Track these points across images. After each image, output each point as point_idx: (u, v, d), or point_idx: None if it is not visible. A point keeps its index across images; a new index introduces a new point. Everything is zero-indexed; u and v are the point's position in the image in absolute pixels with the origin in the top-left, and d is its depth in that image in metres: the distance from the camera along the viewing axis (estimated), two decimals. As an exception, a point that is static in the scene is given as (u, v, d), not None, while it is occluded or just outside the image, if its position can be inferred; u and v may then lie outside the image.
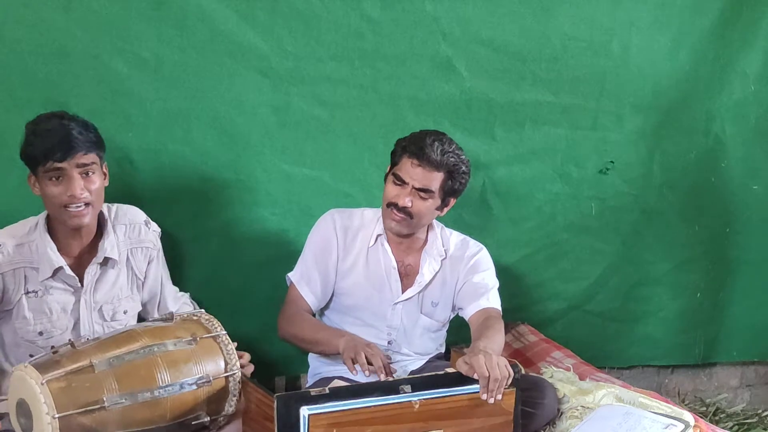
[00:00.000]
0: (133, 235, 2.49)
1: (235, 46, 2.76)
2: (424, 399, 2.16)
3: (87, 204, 2.30)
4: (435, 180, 2.56)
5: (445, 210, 2.67)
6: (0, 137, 2.61)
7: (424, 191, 2.56)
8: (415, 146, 2.55)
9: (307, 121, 2.90)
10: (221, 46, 2.75)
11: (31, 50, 2.58)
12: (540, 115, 3.17)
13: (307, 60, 2.85)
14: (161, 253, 2.58)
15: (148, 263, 2.53)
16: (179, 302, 2.65)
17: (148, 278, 2.55)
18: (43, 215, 2.38)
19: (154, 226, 2.55)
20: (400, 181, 2.57)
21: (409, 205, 2.57)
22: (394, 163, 2.61)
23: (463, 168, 2.60)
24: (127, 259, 2.48)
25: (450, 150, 2.56)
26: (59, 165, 2.25)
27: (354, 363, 2.41)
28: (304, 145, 2.92)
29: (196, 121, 2.78)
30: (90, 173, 2.30)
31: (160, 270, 2.58)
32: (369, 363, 2.39)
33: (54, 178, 2.27)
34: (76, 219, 2.31)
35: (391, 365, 2.45)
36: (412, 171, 2.55)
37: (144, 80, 2.70)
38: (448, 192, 2.60)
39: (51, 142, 2.24)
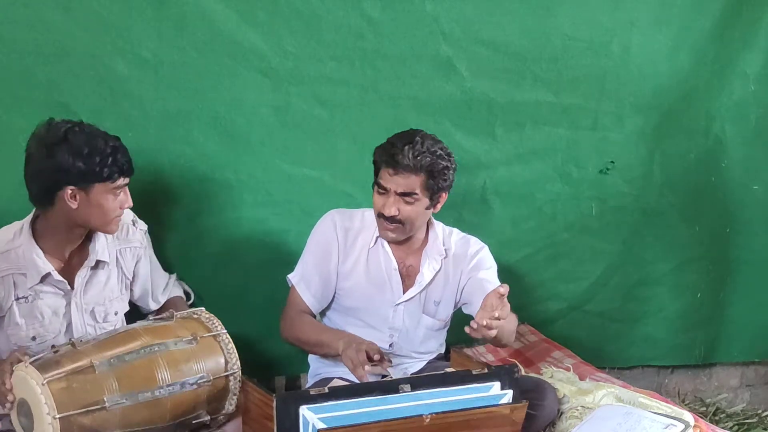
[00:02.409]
0: (122, 235, 2.49)
1: (236, 46, 2.76)
2: (434, 413, 2.15)
3: None
4: (414, 182, 2.53)
5: (438, 206, 2.64)
6: (0, 137, 2.61)
7: (407, 195, 2.54)
8: (387, 155, 2.53)
9: (308, 121, 2.90)
10: (221, 46, 2.75)
11: (32, 50, 2.58)
12: (540, 115, 3.17)
13: (308, 60, 2.85)
14: (149, 249, 2.59)
15: (136, 263, 2.54)
16: (168, 290, 2.67)
17: (138, 277, 2.56)
18: (27, 220, 2.37)
19: (141, 224, 2.56)
20: (383, 189, 2.56)
21: (396, 213, 2.55)
22: (375, 173, 2.60)
23: (443, 164, 2.54)
24: (117, 259, 2.49)
25: (423, 150, 2.51)
26: (125, 181, 2.33)
27: (354, 365, 2.40)
28: (304, 145, 2.92)
29: (196, 121, 2.78)
30: None
31: (148, 267, 2.59)
32: (369, 359, 2.39)
33: (116, 194, 2.32)
34: (117, 227, 2.39)
35: (389, 362, 2.44)
36: (389, 179, 2.53)
37: (144, 80, 2.70)
38: (433, 190, 2.57)
39: (123, 160, 2.30)
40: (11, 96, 2.60)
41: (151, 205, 2.72)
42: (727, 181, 3.47)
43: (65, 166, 2.25)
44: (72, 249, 2.40)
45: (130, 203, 2.37)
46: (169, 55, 2.70)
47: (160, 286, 2.64)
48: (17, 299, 2.33)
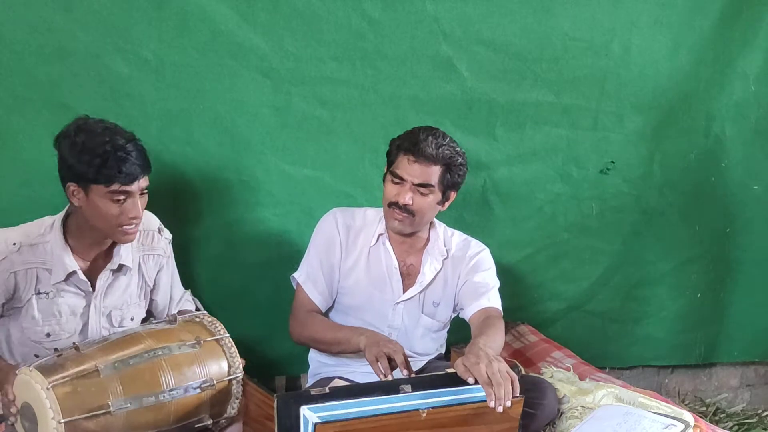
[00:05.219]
0: (147, 242, 2.48)
1: (236, 46, 2.76)
2: (431, 408, 2.15)
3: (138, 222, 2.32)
4: (433, 174, 2.55)
5: (447, 204, 2.67)
6: (1, 137, 2.60)
7: (423, 186, 2.56)
8: (409, 142, 2.56)
9: (308, 122, 2.90)
10: (222, 47, 2.75)
11: (32, 50, 2.58)
12: (541, 116, 3.17)
13: (308, 60, 2.85)
14: (171, 260, 2.58)
15: (158, 271, 2.53)
16: (180, 305, 2.64)
17: (159, 287, 2.54)
18: (59, 216, 2.36)
19: (166, 233, 2.55)
20: (399, 179, 2.57)
21: (410, 203, 2.56)
22: (390, 162, 2.61)
23: (460, 160, 2.59)
24: (139, 265, 2.48)
25: (444, 143, 2.56)
26: (128, 188, 2.24)
27: (378, 363, 2.39)
28: (305, 146, 2.92)
29: (197, 121, 2.78)
30: (144, 194, 2.31)
31: (170, 277, 2.57)
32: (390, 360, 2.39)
33: (117, 200, 2.25)
34: (129, 236, 2.33)
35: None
36: (409, 168, 2.55)
37: (145, 80, 2.69)
38: (447, 185, 2.60)
39: (122, 166, 2.21)
40: (11, 96, 2.59)
41: (151, 206, 2.71)
42: (727, 181, 3.47)
43: (66, 161, 2.23)
44: (99, 251, 2.39)
45: (138, 214, 2.28)
46: (170, 55, 2.70)
47: (176, 300, 2.62)
48: (38, 294, 2.33)
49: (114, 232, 2.31)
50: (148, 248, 2.49)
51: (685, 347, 3.62)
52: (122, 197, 2.25)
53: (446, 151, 2.55)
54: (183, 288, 2.67)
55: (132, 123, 2.66)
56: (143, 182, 2.28)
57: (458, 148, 2.60)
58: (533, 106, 3.16)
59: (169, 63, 2.71)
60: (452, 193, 2.65)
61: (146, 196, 2.33)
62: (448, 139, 2.58)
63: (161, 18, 2.68)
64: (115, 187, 2.23)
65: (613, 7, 3.17)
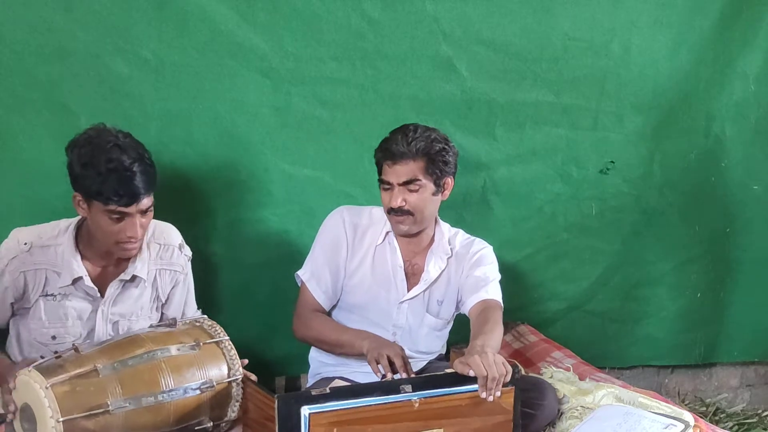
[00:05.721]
0: (165, 256, 2.47)
1: (236, 46, 2.76)
2: (423, 398, 2.16)
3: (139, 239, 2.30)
4: (415, 169, 2.54)
5: (446, 192, 2.64)
6: (1, 137, 2.60)
7: (410, 183, 2.55)
8: (383, 150, 2.57)
9: (308, 122, 2.90)
10: (222, 47, 2.75)
11: (32, 50, 2.58)
12: (541, 116, 3.17)
13: (308, 60, 2.85)
14: (189, 277, 2.57)
15: (173, 287, 2.52)
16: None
17: (171, 302, 2.53)
18: (74, 220, 2.36)
19: (187, 249, 2.54)
20: (387, 185, 2.57)
21: (403, 204, 2.56)
22: (378, 172, 2.62)
23: (438, 146, 2.56)
24: (154, 278, 2.46)
25: (417, 136, 2.54)
26: (125, 210, 2.22)
27: (378, 364, 2.41)
28: (305, 146, 2.92)
29: (197, 121, 2.78)
30: (148, 212, 2.28)
31: (184, 295, 2.56)
32: (391, 363, 2.40)
33: (115, 218, 2.23)
34: (127, 253, 2.32)
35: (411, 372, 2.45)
36: (390, 171, 2.55)
37: (145, 81, 2.70)
38: (436, 174, 2.57)
39: (118, 188, 2.18)
40: (11, 96, 2.59)
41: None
42: (727, 181, 3.47)
43: (73, 171, 2.23)
44: (110, 259, 2.37)
45: (135, 234, 2.26)
46: (170, 55, 2.70)
47: (187, 317, 2.57)
48: (45, 295, 2.33)
49: (112, 248, 2.30)
50: (166, 263, 2.47)
51: (685, 347, 3.62)
52: (120, 216, 2.23)
53: (420, 144, 2.53)
54: (197, 307, 2.64)
55: (132, 123, 2.67)
56: (145, 203, 2.25)
57: (434, 136, 2.57)
58: (533, 106, 3.15)
59: (169, 63, 2.71)
60: (447, 179, 2.62)
61: (151, 213, 2.30)
62: (420, 131, 2.56)
63: (161, 18, 2.68)
64: (112, 207, 2.21)
65: (613, 7, 3.17)
